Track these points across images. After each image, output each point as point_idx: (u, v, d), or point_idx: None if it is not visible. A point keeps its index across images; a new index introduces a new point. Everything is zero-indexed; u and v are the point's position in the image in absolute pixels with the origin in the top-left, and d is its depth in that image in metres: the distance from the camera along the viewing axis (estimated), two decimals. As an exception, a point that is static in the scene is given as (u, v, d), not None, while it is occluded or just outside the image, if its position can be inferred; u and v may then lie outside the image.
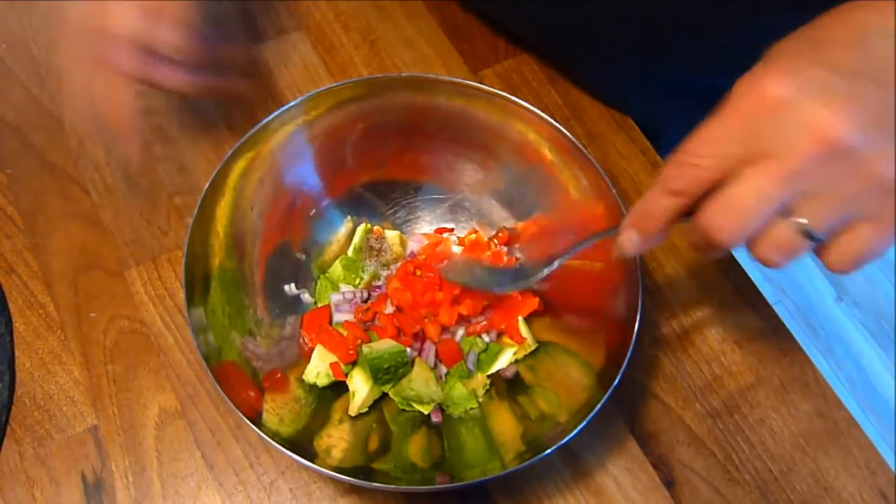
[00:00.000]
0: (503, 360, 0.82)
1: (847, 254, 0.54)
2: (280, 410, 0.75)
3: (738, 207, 0.53)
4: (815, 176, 0.51)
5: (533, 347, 0.82)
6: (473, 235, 0.88)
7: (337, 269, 0.86)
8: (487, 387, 0.82)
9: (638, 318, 0.70)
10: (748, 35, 0.62)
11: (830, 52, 0.52)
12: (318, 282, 0.87)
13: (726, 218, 0.54)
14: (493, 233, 0.88)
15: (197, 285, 0.75)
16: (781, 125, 0.51)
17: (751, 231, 0.54)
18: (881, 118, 0.50)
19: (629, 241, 0.63)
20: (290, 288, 0.86)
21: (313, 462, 0.67)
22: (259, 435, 0.67)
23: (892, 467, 0.81)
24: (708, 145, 0.55)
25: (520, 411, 0.78)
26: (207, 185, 0.74)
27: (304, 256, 0.87)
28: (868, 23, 0.53)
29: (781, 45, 0.55)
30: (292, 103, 0.80)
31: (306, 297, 0.86)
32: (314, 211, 0.88)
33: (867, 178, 0.50)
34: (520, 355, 0.82)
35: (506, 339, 0.83)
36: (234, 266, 0.81)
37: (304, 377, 0.81)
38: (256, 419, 0.69)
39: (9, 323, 0.87)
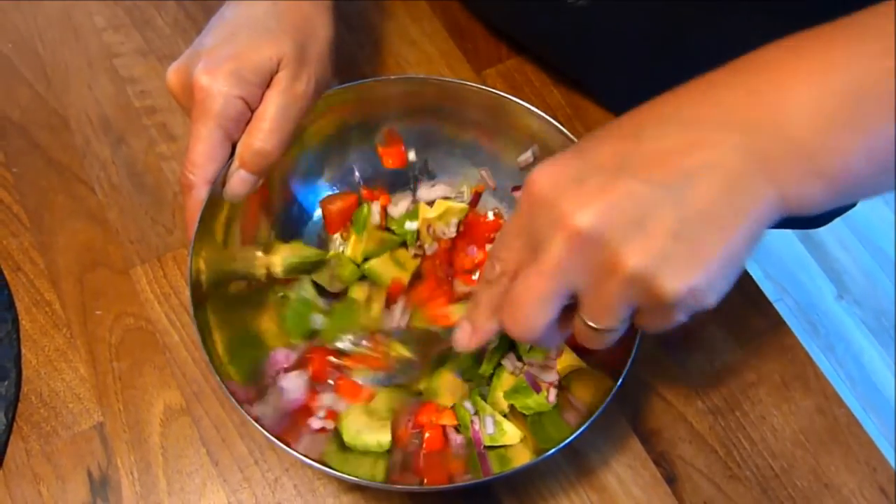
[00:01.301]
0: None
1: (646, 329, 0.56)
2: None
3: (518, 305, 0.55)
4: (574, 270, 0.52)
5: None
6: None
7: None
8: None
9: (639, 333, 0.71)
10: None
11: (602, 147, 0.54)
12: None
13: (512, 316, 0.56)
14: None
15: (203, 285, 0.75)
16: (542, 222, 0.53)
17: (540, 327, 0.55)
18: (631, 210, 0.49)
19: (462, 331, 0.64)
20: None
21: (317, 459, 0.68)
22: (263, 434, 0.67)
23: (893, 464, 0.81)
24: (500, 241, 0.58)
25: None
26: (211, 186, 0.74)
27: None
28: (651, 112, 0.55)
29: (579, 142, 0.57)
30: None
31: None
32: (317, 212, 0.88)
33: (616, 270, 0.50)
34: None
35: None
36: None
37: None
38: (260, 417, 0.70)
39: (15, 321, 0.88)
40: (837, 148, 0.50)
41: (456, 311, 0.83)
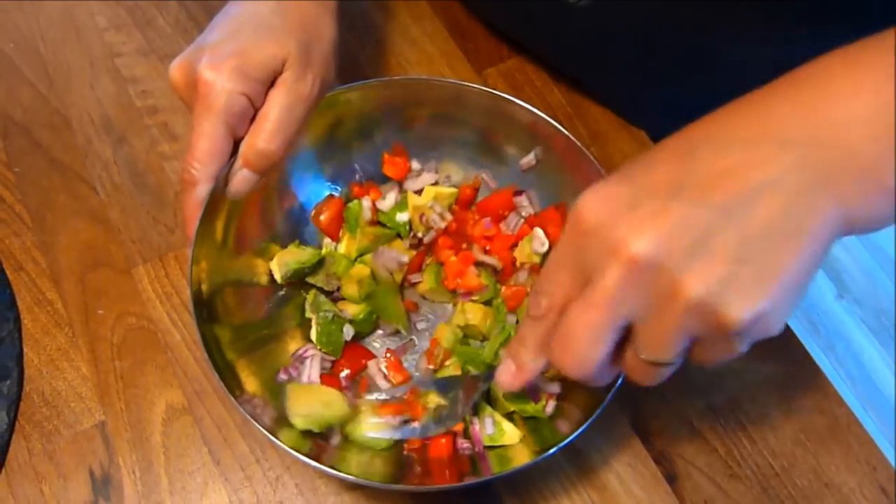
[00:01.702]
0: None
1: (704, 362, 0.54)
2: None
3: (570, 340, 0.53)
4: (630, 301, 0.50)
5: None
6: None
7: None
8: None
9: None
10: (752, 59, 0.62)
11: (653, 170, 0.52)
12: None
13: (564, 352, 0.53)
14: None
15: (204, 283, 0.75)
16: (594, 251, 0.50)
17: (595, 362, 0.53)
18: (690, 235, 0.48)
19: (505, 371, 0.62)
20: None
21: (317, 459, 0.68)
22: (264, 433, 0.68)
23: (893, 463, 0.81)
24: (545, 275, 0.56)
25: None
26: (214, 183, 0.74)
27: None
28: (703, 131, 0.52)
29: (624, 166, 0.54)
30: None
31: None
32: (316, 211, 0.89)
33: (677, 297, 0.48)
34: None
35: None
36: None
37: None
38: (261, 417, 0.70)
39: (17, 320, 0.88)
40: None
41: (472, 276, 0.84)
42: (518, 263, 0.85)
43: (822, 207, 0.48)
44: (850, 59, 0.51)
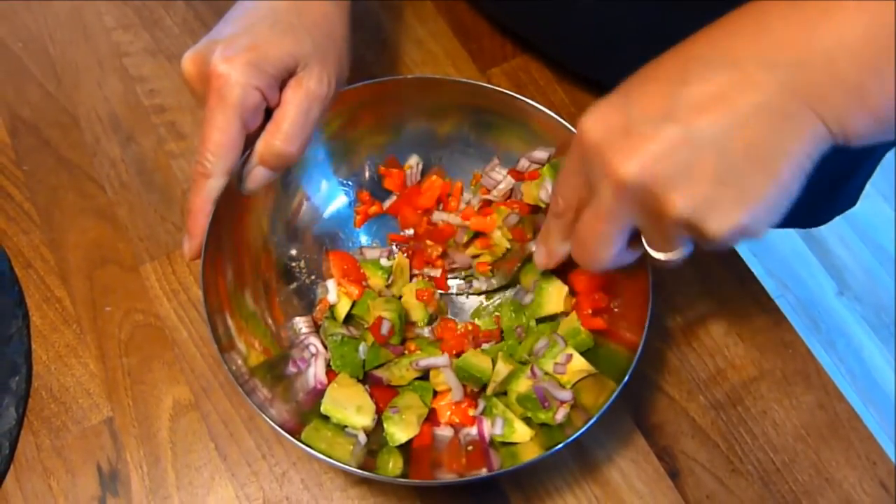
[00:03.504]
0: None
1: (707, 248, 0.57)
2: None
3: (584, 243, 0.60)
4: (629, 212, 0.55)
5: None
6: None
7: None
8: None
9: (648, 316, 0.71)
10: None
11: (647, 91, 0.55)
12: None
13: (581, 253, 0.62)
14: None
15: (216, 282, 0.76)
16: (593, 167, 0.56)
17: (608, 260, 0.60)
18: (675, 159, 0.51)
19: (539, 254, 0.71)
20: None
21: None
22: (272, 426, 0.68)
23: (892, 458, 0.81)
24: (561, 179, 0.62)
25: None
26: (227, 178, 0.73)
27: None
28: (696, 52, 0.55)
29: (625, 82, 0.58)
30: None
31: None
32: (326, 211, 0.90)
33: (664, 215, 0.53)
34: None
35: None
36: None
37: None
38: (269, 411, 0.70)
39: (26, 316, 0.89)
40: (886, 81, 0.50)
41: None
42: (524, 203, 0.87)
43: (805, 129, 0.51)
44: None
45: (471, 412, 0.79)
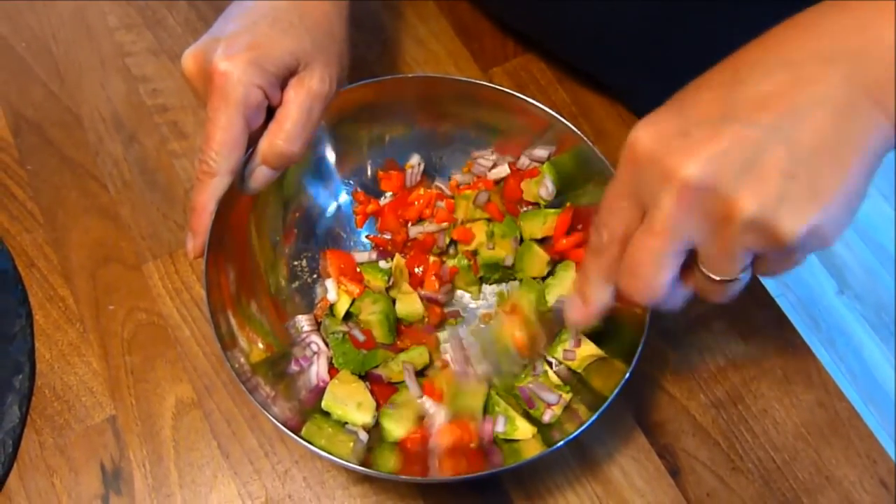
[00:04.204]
0: None
1: (768, 275, 0.55)
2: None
3: (637, 268, 0.54)
4: (689, 224, 0.51)
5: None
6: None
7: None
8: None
9: (648, 315, 0.72)
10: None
11: (700, 99, 0.53)
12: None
13: (632, 280, 0.55)
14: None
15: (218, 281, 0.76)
16: (649, 180, 0.52)
17: (662, 287, 0.54)
18: (740, 155, 0.49)
19: (573, 307, 0.63)
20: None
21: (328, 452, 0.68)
22: (274, 424, 0.68)
23: (893, 457, 0.82)
24: (604, 208, 0.57)
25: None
26: (231, 177, 0.74)
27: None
28: (749, 56, 0.53)
29: (675, 96, 0.55)
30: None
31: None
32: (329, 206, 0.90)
33: (731, 218, 0.49)
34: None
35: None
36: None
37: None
38: (271, 409, 0.71)
39: (29, 315, 0.89)
40: None
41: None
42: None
43: (871, 121, 0.49)
44: None
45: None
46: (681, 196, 0.50)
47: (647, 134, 0.52)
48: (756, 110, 0.49)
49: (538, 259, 0.84)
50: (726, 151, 0.49)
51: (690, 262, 0.55)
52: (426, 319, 0.85)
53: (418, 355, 0.81)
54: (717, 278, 0.54)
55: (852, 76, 0.49)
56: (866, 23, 0.50)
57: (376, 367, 0.81)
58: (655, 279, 0.54)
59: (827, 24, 0.51)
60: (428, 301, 0.86)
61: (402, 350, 0.83)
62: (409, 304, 0.84)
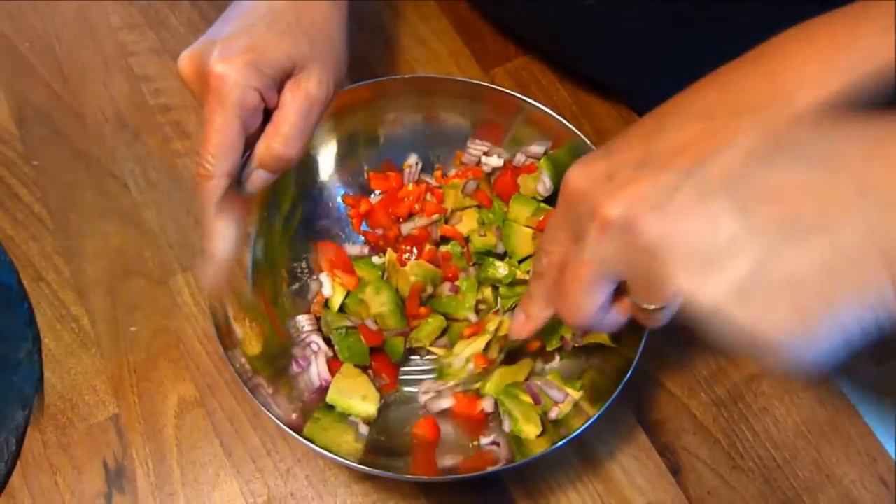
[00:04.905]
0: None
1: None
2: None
3: (567, 294, 0.58)
4: (614, 257, 0.54)
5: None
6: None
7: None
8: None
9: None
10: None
11: (627, 145, 0.57)
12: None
13: (563, 304, 0.59)
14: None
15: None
16: (579, 216, 0.56)
17: (590, 313, 0.58)
18: (656, 196, 0.52)
19: (516, 321, 0.68)
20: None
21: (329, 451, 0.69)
22: (276, 423, 0.69)
23: (892, 455, 0.82)
24: (546, 236, 0.61)
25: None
26: (229, 179, 0.74)
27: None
28: (670, 109, 0.58)
29: (607, 143, 0.59)
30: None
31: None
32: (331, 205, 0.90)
33: (647, 252, 0.52)
34: None
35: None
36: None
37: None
38: (274, 409, 0.71)
39: (37, 339, 0.86)
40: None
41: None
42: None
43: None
44: (808, 33, 0.56)
45: (478, 408, 0.80)
46: (602, 231, 0.54)
47: (579, 174, 0.57)
48: (672, 156, 0.53)
49: (522, 236, 0.85)
50: (643, 193, 0.52)
51: (623, 291, 0.59)
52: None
53: (433, 328, 0.83)
54: (645, 306, 0.56)
55: (759, 125, 0.53)
56: (771, 78, 0.56)
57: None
58: (584, 304, 0.58)
59: (738, 77, 0.57)
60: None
61: (413, 328, 0.84)
62: (406, 280, 0.85)
